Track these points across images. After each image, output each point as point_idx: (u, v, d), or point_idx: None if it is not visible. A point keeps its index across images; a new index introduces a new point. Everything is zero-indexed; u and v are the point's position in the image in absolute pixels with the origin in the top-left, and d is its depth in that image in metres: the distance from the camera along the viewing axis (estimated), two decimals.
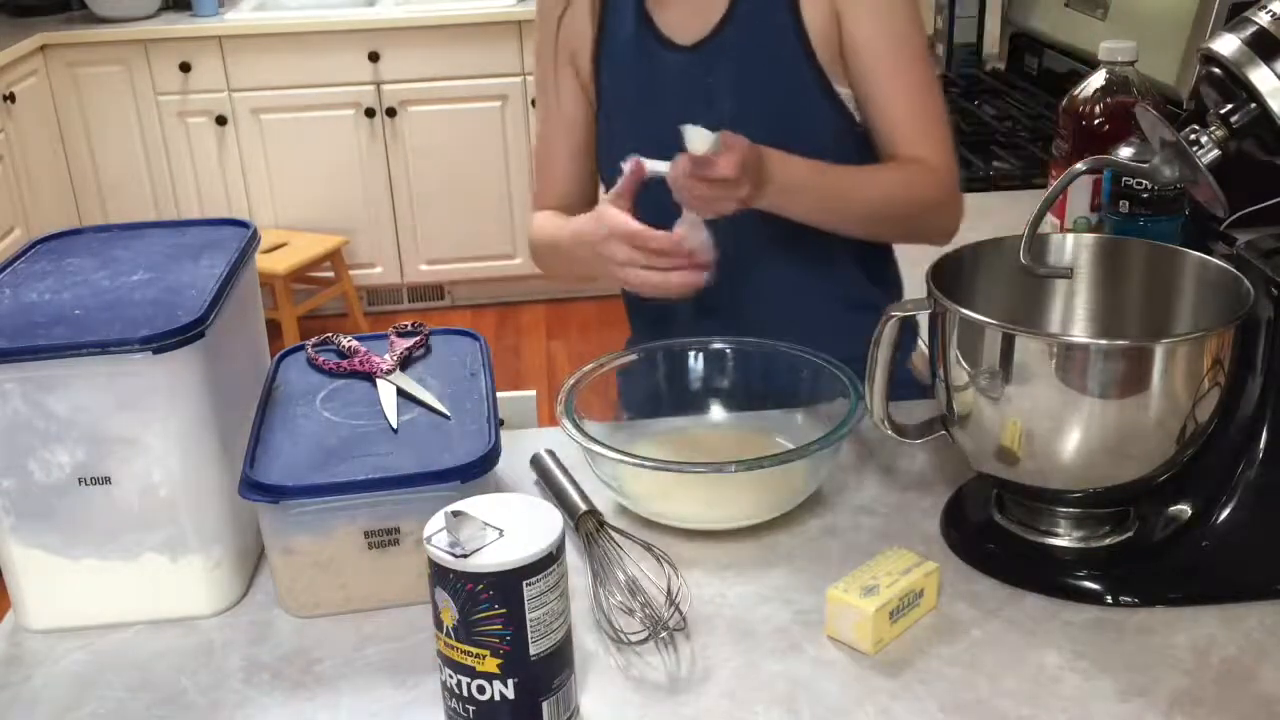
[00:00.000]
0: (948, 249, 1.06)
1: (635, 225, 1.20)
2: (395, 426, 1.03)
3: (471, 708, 0.82)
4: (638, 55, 1.37)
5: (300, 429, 1.03)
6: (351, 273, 3.95)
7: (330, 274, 3.89)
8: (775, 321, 1.28)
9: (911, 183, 1.31)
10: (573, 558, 0.98)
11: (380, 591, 0.99)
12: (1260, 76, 0.92)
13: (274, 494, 0.95)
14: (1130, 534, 1.03)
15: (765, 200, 1.21)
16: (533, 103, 3.78)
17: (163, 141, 3.86)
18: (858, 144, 1.34)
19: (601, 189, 1.45)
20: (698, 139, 1.14)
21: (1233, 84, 0.94)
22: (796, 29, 1.31)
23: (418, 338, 1.17)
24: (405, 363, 1.13)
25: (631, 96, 1.38)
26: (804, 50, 1.32)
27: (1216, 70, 0.95)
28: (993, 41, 2.67)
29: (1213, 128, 0.95)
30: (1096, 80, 1.46)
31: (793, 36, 1.31)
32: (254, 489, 0.95)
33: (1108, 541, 1.02)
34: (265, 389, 1.10)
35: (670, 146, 1.25)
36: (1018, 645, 0.93)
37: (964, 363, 0.97)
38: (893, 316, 1.03)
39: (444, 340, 1.19)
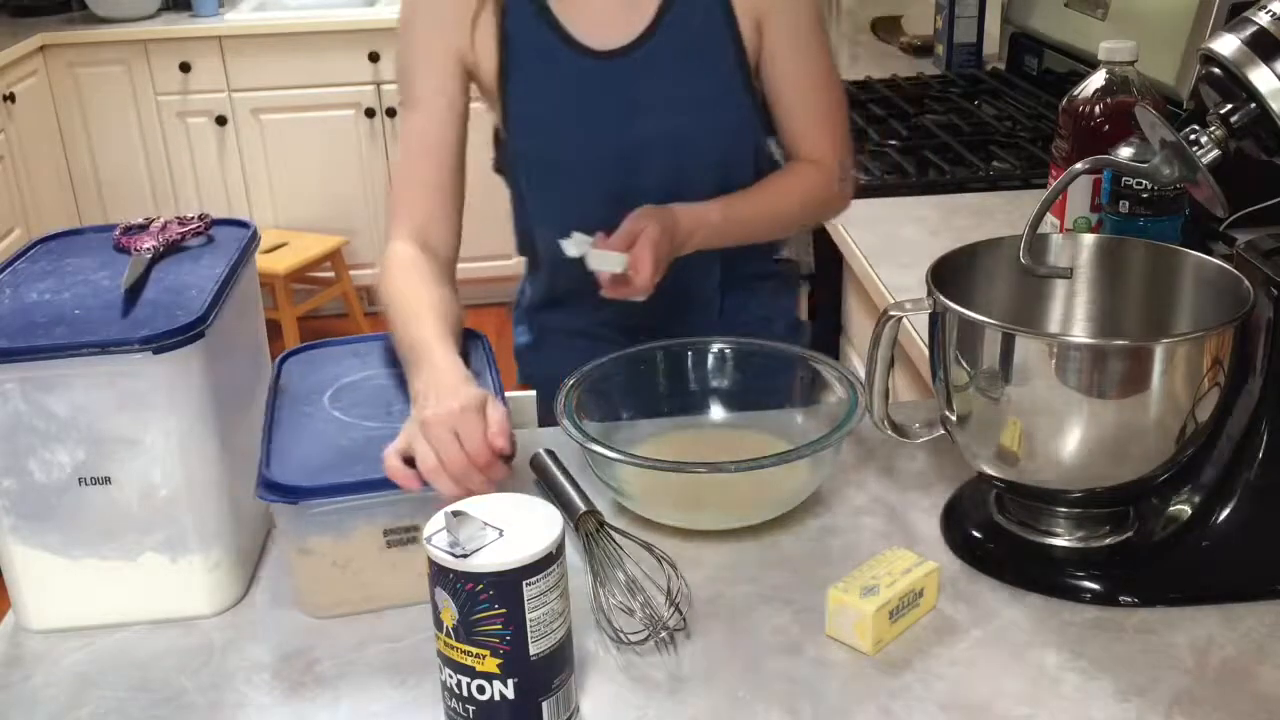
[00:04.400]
0: (947, 249, 1.06)
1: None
2: None
3: (471, 708, 0.82)
4: (547, 63, 1.27)
5: (311, 429, 1.03)
6: (351, 273, 3.94)
7: (330, 274, 3.89)
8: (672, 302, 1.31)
9: (808, 190, 1.36)
10: (573, 558, 0.98)
11: (399, 590, 0.98)
12: (1260, 76, 0.91)
13: (293, 494, 0.94)
14: (1130, 534, 1.03)
15: (685, 254, 1.25)
16: None
17: (163, 141, 3.86)
18: (761, 148, 1.37)
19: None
20: (598, 260, 1.18)
21: (1233, 84, 0.94)
22: (733, 35, 1.28)
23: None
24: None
25: (543, 111, 1.29)
26: (739, 59, 1.29)
27: (1216, 70, 0.95)
28: (993, 41, 2.67)
29: (1213, 128, 0.95)
30: (1096, 80, 1.46)
31: (729, 44, 1.28)
32: (272, 490, 0.95)
33: (1108, 541, 1.02)
34: (271, 390, 1.10)
35: (587, 167, 1.28)
36: (1018, 645, 0.93)
37: (964, 363, 0.97)
38: (892, 316, 1.03)
39: None
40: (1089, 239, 1.10)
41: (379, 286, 1.23)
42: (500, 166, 1.40)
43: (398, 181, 1.32)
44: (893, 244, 1.68)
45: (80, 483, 0.95)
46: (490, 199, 1.53)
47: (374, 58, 3.79)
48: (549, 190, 1.36)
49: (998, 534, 1.05)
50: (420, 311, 1.13)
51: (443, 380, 1.02)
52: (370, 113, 3.85)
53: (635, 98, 1.27)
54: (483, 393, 1.01)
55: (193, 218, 1.13)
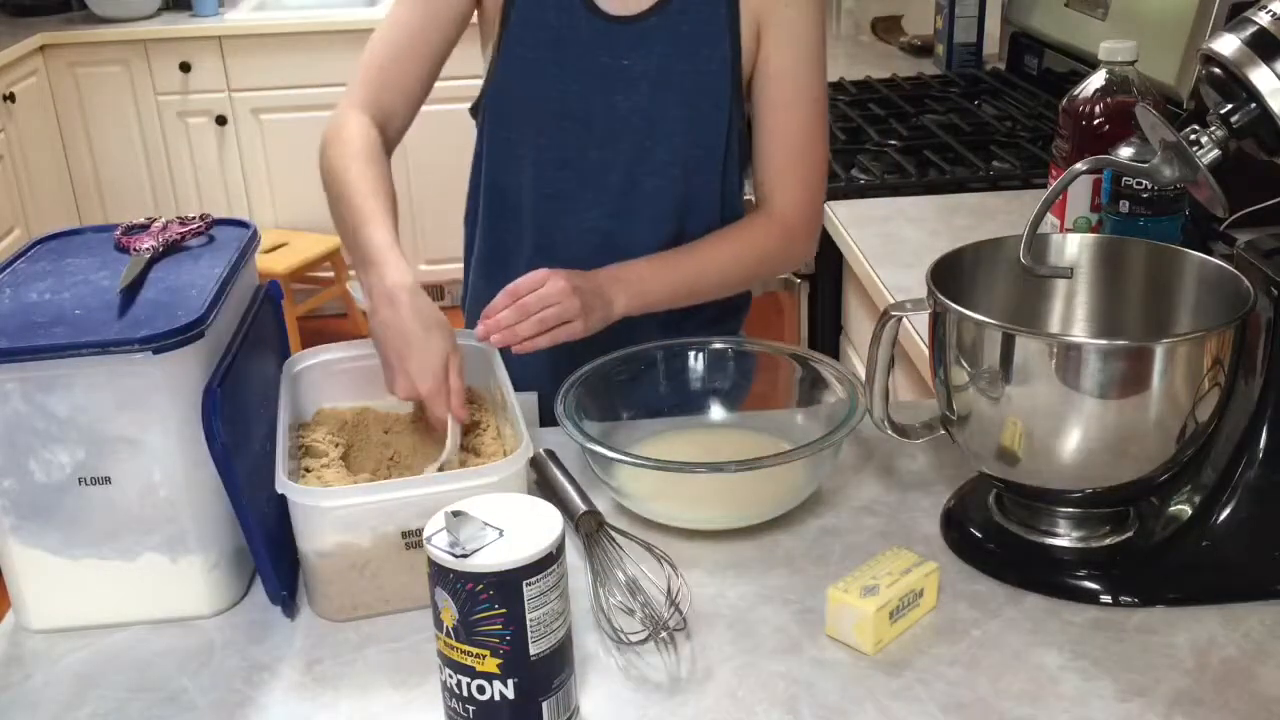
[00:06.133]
0: (947, 249, 1.06)
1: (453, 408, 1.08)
2: None
3: (471, 708, 0.82)
4: (558, 10, 1.28)
5: None
6: (351, 273, 3.95)
7: (330, 274, 3.89)
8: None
9: (756, 248, 1.33)
10: (573, 558, 0.98)
11: (417, 592, 0.97)
12: (1260, 76, 0.92)
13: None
14: (1130, 534, 1.03)
15: (615, 317, 1.23)
16: None
17: (163, 141, 3.86)
18: (741, 167, 1.34)
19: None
20: None
21: (1233, 84, 0.94)
22: (733, 32, 1.28)
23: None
24: None
25: (538, 55, 1.29)
26: (733, 56, 1.28)
27: (1216, 70, 0.95)
28: (993, 41, 2.67)
29: (1213, 128, 0.95)
30: (1096, 80, 1.46)
31: (726, 35, 1.28)
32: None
33: (1108, 541, 1.02)
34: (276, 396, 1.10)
35: (572, 117, 1.26)
36: (1018, 645, 0.93)
37: (964, 363, 0.97)
38: (892, 316, 1.03)
39: None
40: (1089, 239, 1.10)
41: (326, 150, 1.24)
42: (476, 107, 1.37)
43: (371, 60, 1.30)
44: (893, 244, 1.68)
45: (80, 483, 0.95)
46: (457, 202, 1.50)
47: None
48: (511, 134, 1.33)
49: (998, 534, 1.05)
50: (370, 204, 1.17)
51: (399, 284, 1.10)
52: None
53: (622, 68, 1.27)
54: (445, 320, 1.08)
55: (193, 218, 1.13)
